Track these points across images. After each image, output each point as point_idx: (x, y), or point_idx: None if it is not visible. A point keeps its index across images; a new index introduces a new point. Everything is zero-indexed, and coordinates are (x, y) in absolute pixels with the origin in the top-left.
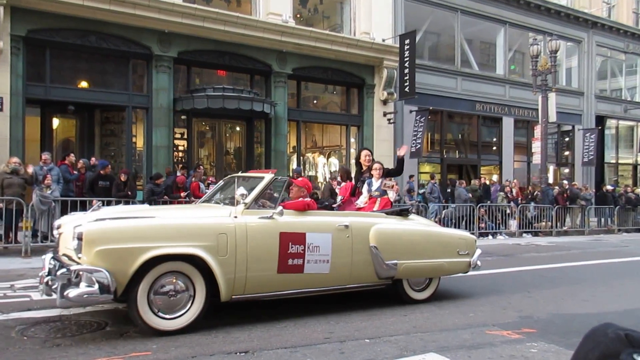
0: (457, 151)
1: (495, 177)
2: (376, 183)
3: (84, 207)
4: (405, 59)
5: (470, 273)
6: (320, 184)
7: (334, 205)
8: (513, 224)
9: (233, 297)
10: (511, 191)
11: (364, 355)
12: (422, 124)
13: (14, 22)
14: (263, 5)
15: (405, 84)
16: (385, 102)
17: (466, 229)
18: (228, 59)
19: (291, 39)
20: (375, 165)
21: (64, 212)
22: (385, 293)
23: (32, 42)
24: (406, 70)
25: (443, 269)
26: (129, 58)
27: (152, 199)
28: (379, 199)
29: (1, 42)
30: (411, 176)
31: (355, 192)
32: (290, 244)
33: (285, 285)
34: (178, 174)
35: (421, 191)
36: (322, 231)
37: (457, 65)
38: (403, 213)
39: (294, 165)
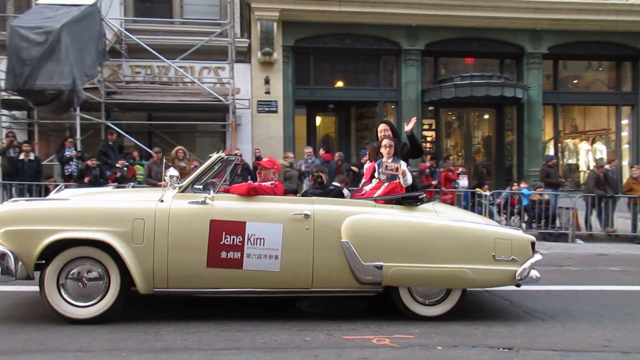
0: None
1: None
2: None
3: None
4: None
5: None
6: (582, 173)
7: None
8: None
9: (155, 289)
10: None
11: None
12: None
13: (284, 35)
14: None
15: None
16: None
17: None
18: (475, 45)
19: (547, 15)
20: (385, 142)
21: None
22: None
23: (299, 50)
24: None
25: (466, 278)
26: (380, 55)
27: None
28: (385, 183)
29: (275, 53)
30: None
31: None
32: (224, 234)
33: (219, 282)
34: (427, 163)
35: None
36: (269, 220)
37: None
38: (407, 201)
39: (550, 152)
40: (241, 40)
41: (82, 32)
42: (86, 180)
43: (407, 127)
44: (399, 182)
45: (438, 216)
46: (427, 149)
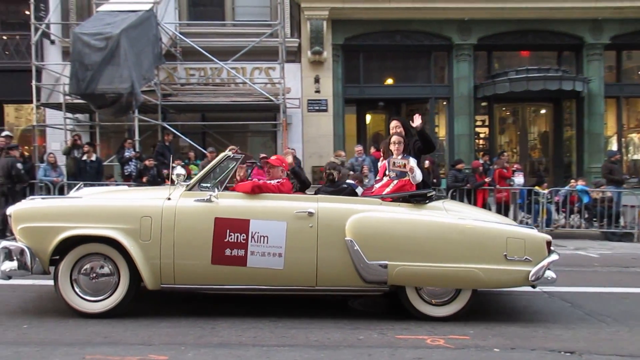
0: None
1: None
2: (398, 162)
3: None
4: None
5: None
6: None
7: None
8: None
9: (162, 285)
10: None
11: None
12: None
13: (334, 33)
14: None
15: None
16: None
17: None
18: (532, 37)
19: (609, 4)
20: (394, 139)
21: None
22: None
23: (348, 48)
24: None
25: (475, 278)
26: (430, 51)
27: (456, 185)
28: (395, 181)
29: (325, 52)
30: None
31: None
32: (228, 231)
33: (224, 279)
34: (480, 161)
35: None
36: (273, 218)
37: None
38: (415, 199)
39: (613, 147)
40: (291, 40)
41: (140, 37)
42: (144, 179)
43: (415, 124)
44: (409, 179)
45: (447, 214)
46: (480, 146)
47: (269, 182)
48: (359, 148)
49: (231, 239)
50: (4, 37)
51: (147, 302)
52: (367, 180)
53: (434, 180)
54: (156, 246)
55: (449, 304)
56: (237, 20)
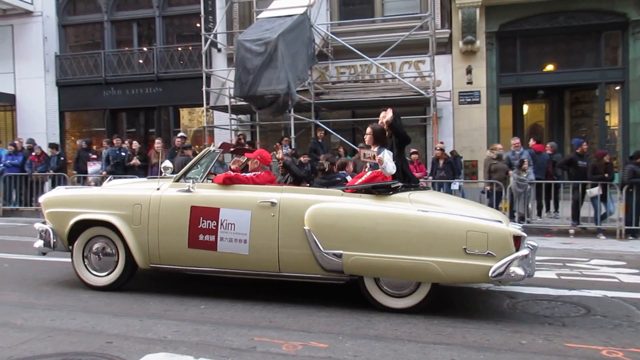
0: None
1: None
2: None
3: (550, 189)
4: None
5: None
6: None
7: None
8: None
9: (151, 265)
10: None
11: None
12: None
13: (487, 21)
14: None
15: None
16: None
17: None
18: None
19: None
20: (367, 130)
21: (538, 194)
22: None
23: (503, 35)
24: None
25: (431, 272)
26: (600, 31)
27: (634, 181)
28: (369, 172)
29: (478, 41)
30: None
31: None
32: (201, 218)
33: (199, 262)
34: None
35: None
36: (239, 207)
37: None
38: (377, 190)
39: None
40: (442, 31)
41: (295, 40)
42: None
43: (384, 119)
44: (381, 170)
45: (410, 206)
46: None
47: (244, 174)
48: (516, 141)
49: (204, 225)
50: (179, 49)
51: (304, 292)
52: (525, 175)
53: (606, 175)
54: (145, 230)
55: (408, 297)
56: (387, 16)
